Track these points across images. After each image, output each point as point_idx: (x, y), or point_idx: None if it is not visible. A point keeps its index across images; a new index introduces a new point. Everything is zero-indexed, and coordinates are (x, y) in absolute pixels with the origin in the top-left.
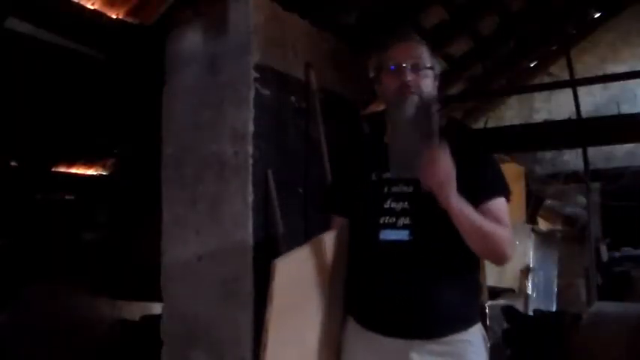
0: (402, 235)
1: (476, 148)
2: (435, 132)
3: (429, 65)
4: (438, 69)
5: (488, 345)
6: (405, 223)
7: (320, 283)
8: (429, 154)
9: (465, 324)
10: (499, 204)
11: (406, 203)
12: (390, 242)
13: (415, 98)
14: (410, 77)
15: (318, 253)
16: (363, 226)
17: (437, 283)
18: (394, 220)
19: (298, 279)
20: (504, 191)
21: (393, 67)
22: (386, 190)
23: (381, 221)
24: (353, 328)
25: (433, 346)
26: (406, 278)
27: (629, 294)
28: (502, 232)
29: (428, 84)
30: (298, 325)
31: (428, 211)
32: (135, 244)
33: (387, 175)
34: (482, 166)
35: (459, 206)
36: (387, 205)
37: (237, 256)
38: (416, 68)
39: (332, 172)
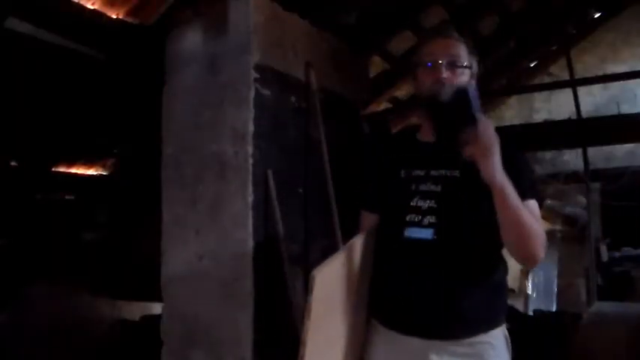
0: (427, 233)
1: (510, 146)
2: (476, 110)
3: (465, 64)
4: (475, 68)
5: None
6: (431, 221)
7: (351, 288)
8: (475, 126)
9: (487, 326)
10: (534, 205)
11: (433, 202)
12: (414, 240)
13: (451, 87)
14: (445, 74)
15: (352, 258)
16: (389, 223)
17: (460, 283)
18: (420, 218)
19: (333, 287)
20: (538, 193)
21: (429, 63)
22: (413, 187)
23: (407, 219)
24: (374, 326)
25: (454, 347)
26: (429, 277)
27: (629, 294)
28: (539, 228)
29: (463, 82)
30: (331, 332)
31: (455, 211)
32: (135, 244)
33: (416, 172)
34: (517, 165)
35: (503, 182)
36: (413, 203)
37: (237, 256)
38: (452, 66)
39: (363, 168)
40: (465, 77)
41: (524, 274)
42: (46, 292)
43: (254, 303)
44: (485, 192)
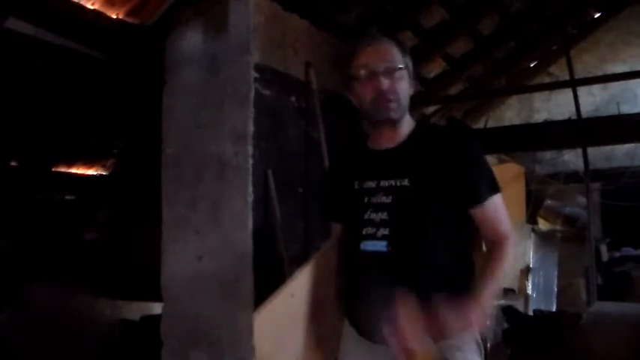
0: (381, 246)
1: (469, 147)
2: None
3: (401, 66)
4: (411, 66)
5: (485, 349)
6: (384, 234)
7: (307, 311)
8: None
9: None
10: (494, 203)
11: (385, 214)
12: (370, 253)
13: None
14: (385, 85)
15: (303, 287)
16: (350, 235)
17: (418, 293)
18: (374, 231)
19: (284, 320)
20: (496, 188)
21: (365, 74)
22: (366, 200)
23: (364, 232)
24: (347, 328)
25: None
26: (387, 289)
27: (629, 294)
28: (505, 255)
29: (404, 87)
30: (288, 357)
31: (406, 221)
32: (135, 243)
33: (367, 184)
34: (477, 166)
35: (480, 305)
36: (367, 216)
37: (237, 256)
38: (389, 72)
39: (325, 178)
40: (404, 81)
41: (524, 274)
42: (46, 291)
43: (254, 303)
44: (436, 198)
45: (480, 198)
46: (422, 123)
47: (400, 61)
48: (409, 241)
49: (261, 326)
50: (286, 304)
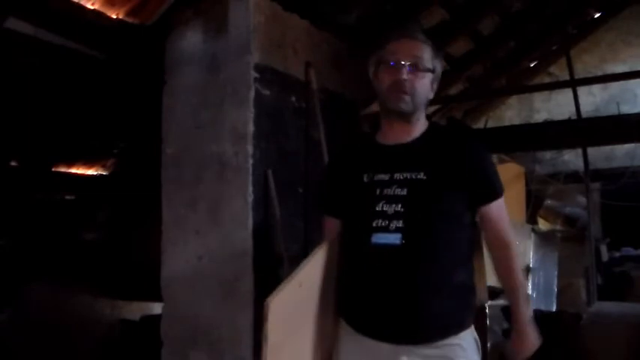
0: (394, 239)
1: (474, 146)
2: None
3: (429, 67)
4: (439, 71)
5: (484, 347)
6: (398, 226)
7: (314, 303)
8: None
9: (455, 329)
10: (500, 204)
11: (399, 206)
12: (381, 246)
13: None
14: (406, 76)
15: (310, 277)
16: (356, 228)
17: (427, 288)
18: (387, 223)
19: (291, 309)
20: (502, 190)
21: (392, 62)
22: (378, 192)
23: (374, 224)
24: (344, 328)
25: (423, 350)
26: (397, 283)
27: (629, 294)
28: (515, 256)
29: (424, 85)
30: (295, 349)
31: (422, 214)
32: (135, 244)
33: (379, 176)
34: (485, 166)
35: (530, 322)
36: (379, 208)
37: (237, 256)
38: (415, 68)
39: (326, 173)
40: (426, 80)
41: (524, 274)
42: (46, 291)
43: (254, 303)
44: (451, 193)
45: (496, 194)
46: (435, 124)
47: (429, 62)
48: (424, 234)
49: (271, 315)
50: (295, 293)
